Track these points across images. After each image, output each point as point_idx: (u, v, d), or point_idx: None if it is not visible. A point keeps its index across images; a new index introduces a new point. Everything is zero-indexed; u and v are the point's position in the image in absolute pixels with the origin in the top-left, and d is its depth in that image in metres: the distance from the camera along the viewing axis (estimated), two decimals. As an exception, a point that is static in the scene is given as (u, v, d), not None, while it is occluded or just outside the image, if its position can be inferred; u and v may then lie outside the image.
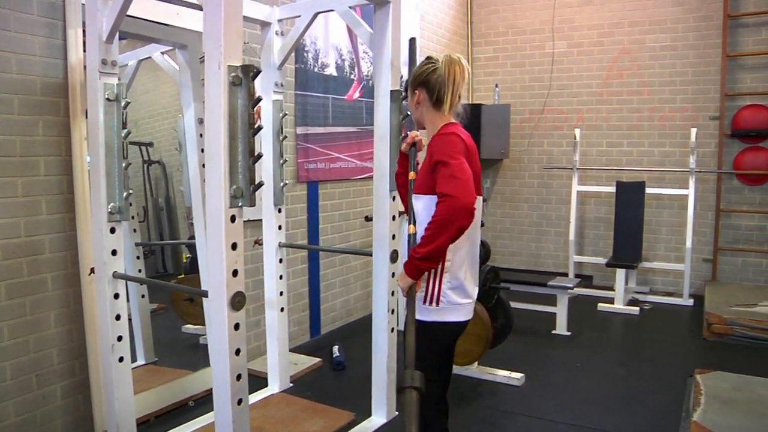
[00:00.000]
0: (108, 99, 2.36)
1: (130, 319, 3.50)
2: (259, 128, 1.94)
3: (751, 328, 4.40)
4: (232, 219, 1.95)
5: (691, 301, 5.59)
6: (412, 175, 2.23)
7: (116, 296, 2.48)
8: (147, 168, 3.74)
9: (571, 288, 4.63)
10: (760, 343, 4.34)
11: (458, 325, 2.13)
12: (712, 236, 5.90)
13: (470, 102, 6.76)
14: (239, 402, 2.05)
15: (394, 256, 2.87)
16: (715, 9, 5.72)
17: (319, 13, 3.02)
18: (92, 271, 2.68)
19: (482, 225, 3.79)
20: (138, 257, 3.54)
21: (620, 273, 5.39)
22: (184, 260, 3.96)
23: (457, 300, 2.08)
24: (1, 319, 2.53)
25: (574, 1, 6.37)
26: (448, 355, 2.25)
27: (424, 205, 2.05)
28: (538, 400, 3.47)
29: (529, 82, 6.69)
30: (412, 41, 2.73)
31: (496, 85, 6.68)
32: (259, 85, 3.49)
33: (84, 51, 2.52)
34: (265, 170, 3.31)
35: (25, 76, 2.55)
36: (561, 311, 4.69)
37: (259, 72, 1.91)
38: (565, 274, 6.15)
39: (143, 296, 3.51)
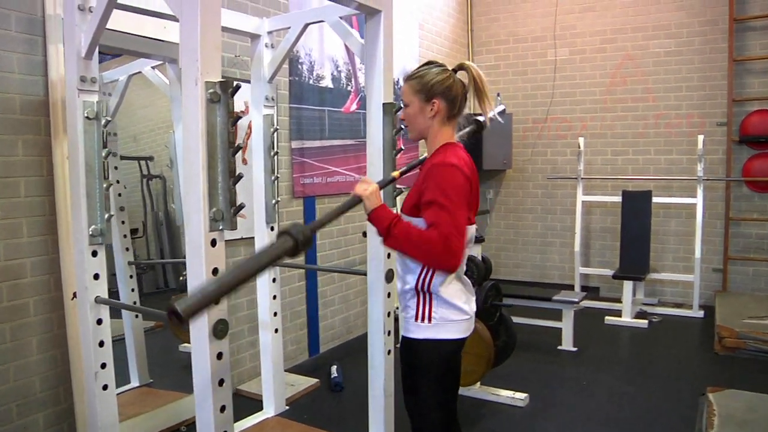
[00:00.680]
0: (87, 117, 2.27)
1: (123, 339, 3.45)
2: (239, 147, 1.84)
3: (764, 341, 4.25)
4: (213, 243, 1.85)
5: (701, 313, 5.44)
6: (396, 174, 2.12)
7: (99, 322, 2.37)
8: (147, 182, 3.67)
9: (577, 303, 4.50)
10: (773, 358, 4.19)
11: (454, 342, 1.98)
12: (721, 245, 5.76)
13: (472, 111, 6.65)
14: (223, 436, 1.94)
15: (389, 276, 2.76)
16: (720, 13, 5.60)
17: (309, 24, 2.93)
18: (75, 295, 2.58)
19: (482, 240, 3.66)
20: (131, 276, 3.45)
21: (627, 285, 5.25)
22: (181, 278, 3.87)
23: (450, 316, 1.95)
24: (-22, 347, 2.43)
25: (575, 8, 6.28)
26: (449, 378, 2.04)
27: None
28: (543, 421, 3.34)
29: (531, 91, 6.58)
30: None
31: (498, 94, 6.55)
32: (249, 99, 3.41)
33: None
34: (256, 187, 3.21)
35: (3, 94, 2.46)
36: (567, 326, 4.56)
37: (238, 88, 1.81)
38: (571, 286, 6.02)
39: (137, 315, 3.42)
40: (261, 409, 3.43)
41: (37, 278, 2.61)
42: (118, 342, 3.39)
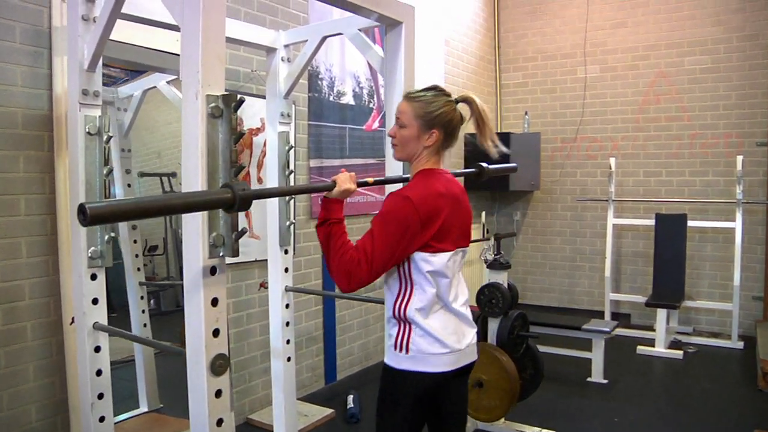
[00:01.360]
0: (89, 133, 2.14)
1: (132, 361, 3.31)
2: (242, 167, 1.69)
3: (812, 378, 3.96)
4: (212, 271, 1.68)
5: (740, 344, 5.14)
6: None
7: (97, 349, 2.22)
8: (168, 199, 3.60)
9: (609, 332, 4.25)
10: (823, 396, 3.90)
11: (433, 377, 1.82)
12: (762, 272, 5.45)
13: (498, 131, 6.47)
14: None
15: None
16: (760, 27, 5.37)
17: (326, 37, 2.79)
18: (73, 320, 2.45)
19: (508, 266, 3.44)
20: (142, 297, 3.33)
21: (661, 312, 4.97)
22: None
23: (428, 349, 1.80)
24: (-30, 374, 2.30)
25: (606, 24, 6.08)
26: (417, 414, 1.86)
27: None
28: (572, 462, 3.11)
29: (560, 109, 6.38)
30: None
31: (526, 113, 6.39)
32: (265, 116, 3.28)
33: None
34: (270, 208, 3.06)
35: (4, 108, 2.36)
36: (597, 357, 4.31)
37: (242, 101, 1.66)
38: (601, 312, 5.75)
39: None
40: (272, 440, 3.25)
41: (35, 301, 2.48)
42: (129, 364, 3.27)
